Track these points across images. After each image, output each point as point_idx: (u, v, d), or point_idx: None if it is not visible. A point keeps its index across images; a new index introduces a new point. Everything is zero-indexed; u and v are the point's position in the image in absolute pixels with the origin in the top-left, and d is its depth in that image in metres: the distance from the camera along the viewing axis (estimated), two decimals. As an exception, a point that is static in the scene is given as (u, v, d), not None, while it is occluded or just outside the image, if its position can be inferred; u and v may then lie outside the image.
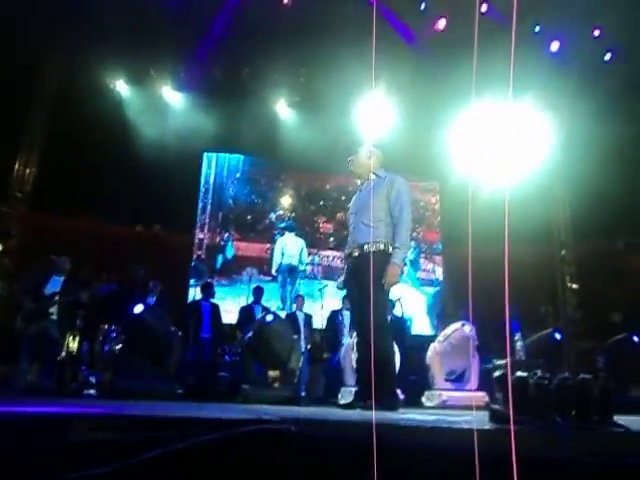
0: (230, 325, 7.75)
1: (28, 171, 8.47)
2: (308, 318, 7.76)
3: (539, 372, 1.35)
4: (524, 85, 7.42)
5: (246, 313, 7.49)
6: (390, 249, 3.42)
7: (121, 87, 9.17)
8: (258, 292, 7.79)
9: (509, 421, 1.21)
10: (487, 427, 1.28)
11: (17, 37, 6.98)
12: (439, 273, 10.28)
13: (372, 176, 3.70)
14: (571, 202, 9.64)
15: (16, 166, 8.37)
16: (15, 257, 8.06)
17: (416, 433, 1.30)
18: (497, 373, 1.42)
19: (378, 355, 3.29)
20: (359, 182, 3.83)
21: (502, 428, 1.20)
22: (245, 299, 8.05)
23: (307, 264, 9.92)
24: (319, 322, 8.01)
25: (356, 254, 3.53)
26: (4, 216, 8.18)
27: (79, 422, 1.16)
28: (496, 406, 1.39)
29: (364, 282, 3.38)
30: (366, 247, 3.45)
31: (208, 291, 7.58)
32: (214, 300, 7.65)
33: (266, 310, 7.36)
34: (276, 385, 4.83)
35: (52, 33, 7.60)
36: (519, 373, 1.32)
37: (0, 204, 8.13)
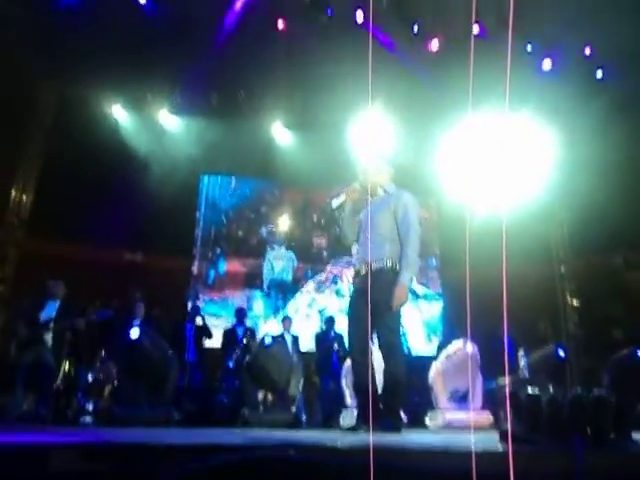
0: (215, 348, 7.67)
1: (25, 197, 8.47)
2: (295, 340, 7.65)
3: (551, 387, 1.29)
4: (517, 104, 7.48)
5: (229, 336, 7.41)
6: (397, 266, 3.35)
7: (118, 112, 9.20)
8: (240, 313, 7.75)
9: (519, 441, 1.15)
10: (488, 449, 1.22)
11: (13, 64, 7.02)
12: (434, 288, 10.26)
13: (381, 191, 3.65)
14: (569, 219, 9.64)
15: (13, 192, 8.37)
16: (11, 284, 7.99)
17: (417, 456, 1.24)
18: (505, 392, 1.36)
19: (389, 376, 3.23)
20: (369, 197, 3.75)
21: (514, 449, 1.14)
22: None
23: (299, 279, 9.87)
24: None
25: (363, 272, 3.46)
26: (0, 243, 8.13)
27: (63, 452, 1.10)
28: (506, 426, 1.33)
29: (373, 301, 3.30)
30: (374, 265, 3.37)
31: (192, 313, 7.53)
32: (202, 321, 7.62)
33: (250, 331, 7.32)
34: (276, 409, 4.73)
35: (47, 59, 7.66)
36: (530, 390, 1.26)
37: (-4, 231, 8.10)
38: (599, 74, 8.58)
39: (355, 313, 3.50)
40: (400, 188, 3.65)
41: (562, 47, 8.33)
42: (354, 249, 3.73)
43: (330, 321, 7.69)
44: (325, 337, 7.54)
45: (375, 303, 3.23)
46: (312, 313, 9.51)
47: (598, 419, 1.26)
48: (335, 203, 3.64)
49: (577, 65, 8.42)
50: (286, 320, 7.92)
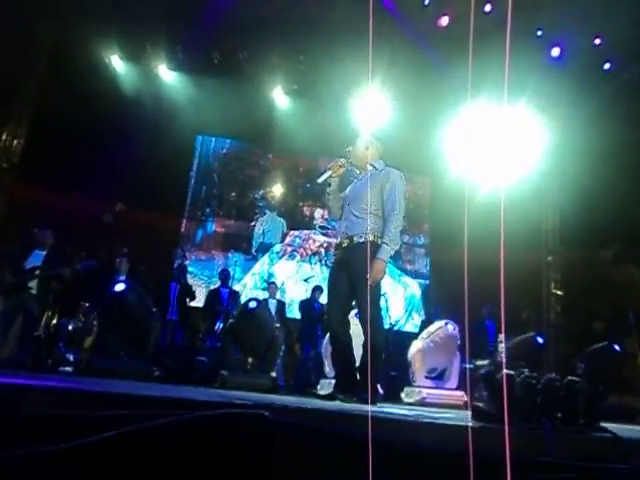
0: (200, 309, 7.69)
1: (16, 142, 8.32)
2: (281, 306, 7.67)
3: (526, 371, 1.31)
4: (521, 88, 7.40)
5: (213, 297, 7.44)
6: (379, 241, 3.36)
7: (116, 62, 8.97)
8: (224, 274, 7.74)
9: (492, 419, 1.17)
10: (470, 425, 1.24)
11: (9, 2, 6.79)
12: (420, 265, 10.32)
13: (369, 167, 3.64)
14: (561, 208, 9.68)
15: (3, 136, 8.21)
16: (-2, 229, 7.91)
17: (397, 427, 1.26)
18: (483, 370, 1.37)
19: (368, 348, 3.26)
20: (357, 172, 3.75)
21: (485, 426, 1.16)
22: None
23: (287, 244, 9.87)
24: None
25: (345, 244, 3.48)
26: (-12, 186, 8.02)
27: (38, 395, 1.10)
28: (479, 404, 1.35)
29: (353, 274, 3.34)
30: (355, 238, 3.40)
31: (178, 272, 7.52)
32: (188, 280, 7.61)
33: (235, 294, 7.35)
34: (255, 372, 4.78)
35: (46, 2, 7.42)
36: (506, 371, 1.27)
37: (-17, 174, 7.97)
38: (606, 66, 8.50)
39: (334, 284, 3.54)
40: (389, 166, 3.64)
41: (573, 35, 8.21)
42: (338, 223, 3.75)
43: (316, 290, 7.72)
44: (310, 305, 7.59)
45: (355, 276, 3.29)
46: (297, 280, 9.55)
47: (569, 404, 1.28)
48: (321, 178, 3.64)
49: (585, 55, 8.32)
50: (271, 285, 7.94)
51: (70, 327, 5.54)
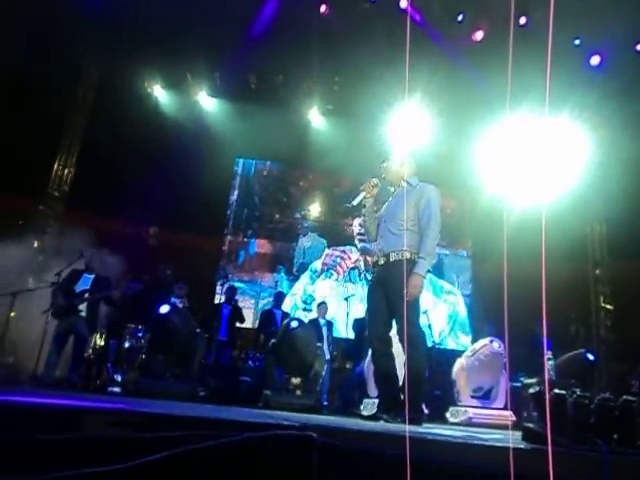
0: (247, 329, 7.75)
1: (66, 171, 8.73)
2: (330, 325, 7.66)
3: (578, 391, 1.26)
4: (561, 99, 7.26)
5: (266, 318, 7.50)
6: (415, 257, 3.32)
7: (158, 92, 9.35)
8: (279, 297, 7.78)
9: (544, 441, 1.14)
10: (521, 446, 1.21)
11: (59, 40, 7.19)
12: (463, 282, 10.13)
13: (403, 183, 3.63)
14: (607, 220, 9.38)
15: (55, 166, 8.63)
16: (50, 254, 8.24)
17: (445, 448, 1.24)
18: (533, 390, 1.34)
19: (409, 368, 3.20)
20: (392, 189, 3.75)
21: (537, 448, 1.13)
22: (265, 301, 8.08)
23: (324, 263, 9.89)
24: (344, 330, 7.96)
25: (382, 262, 3.46)
26: (41, 214, 8.40)
27: (91, 416, 1.14)
28: (530, 424, 1.31)
29: (391, 292, 3.32)
30: (392, 256, 3.38)
31: (228, 294, 7.62)
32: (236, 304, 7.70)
33: (287, 315, 7.38)
34: (298, 392, 4.78)
35: (92, 36, 7.81)
36: (557, 390, 1.24)
37: (37, 202, 8.36)
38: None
39: (373, 303, 3.52)
40: (424, 181, 3.62)
41: (612, 42, 8.01)
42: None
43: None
44: (364, 324, 7.53)
45: (392, 294, 3.25)
46: (337, 299, 9.52)
47: (626, 425, 1.23)
48: (355, 201, 3.64)
49: (627, 61, 8.11)
50: (321, 306, 7.92)
51: (126, 345, 5.71)
